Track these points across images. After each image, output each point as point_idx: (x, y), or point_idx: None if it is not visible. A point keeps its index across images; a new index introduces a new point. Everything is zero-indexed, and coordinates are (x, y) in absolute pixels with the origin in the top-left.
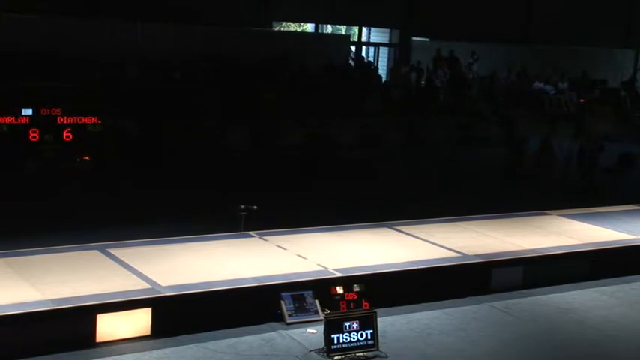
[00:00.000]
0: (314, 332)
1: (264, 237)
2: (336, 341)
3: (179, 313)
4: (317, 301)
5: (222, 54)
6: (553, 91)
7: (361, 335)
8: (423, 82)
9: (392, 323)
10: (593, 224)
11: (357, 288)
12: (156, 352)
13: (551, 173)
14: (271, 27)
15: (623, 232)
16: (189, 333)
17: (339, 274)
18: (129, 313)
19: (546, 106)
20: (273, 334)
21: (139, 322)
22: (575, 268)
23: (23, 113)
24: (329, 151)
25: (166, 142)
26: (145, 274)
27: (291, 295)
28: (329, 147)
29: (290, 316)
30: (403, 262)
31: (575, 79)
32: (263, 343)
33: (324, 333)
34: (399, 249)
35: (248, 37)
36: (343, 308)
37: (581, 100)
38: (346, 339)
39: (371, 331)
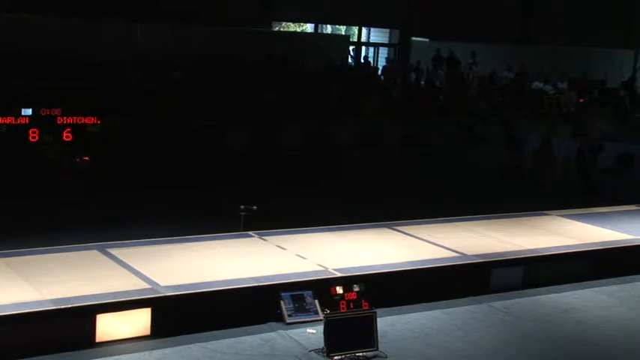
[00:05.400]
0: (314, 332)
1: (264, 237)
2: None
3: (179, 313)
4: (317, 301)
5: (222, 54)
6: (553, 91)
7: None
8: (422, 82)
9: (391, 323)
10: (593, 224)
11: (356, 288)
12: (156, 352)
13: (551, 173)
14: (271, 27)
15: (623, 232)
16: (189, 333)
17: (338, 274)
18: (128, 313)
19: (546, 106)
20: (272, 334)
21: (139, 322)
22: (575, 268)
23: (23, 113)
24: (328, 151)
25: (166, 142)
26: (145, 274)
27: (291, 295)
28: (328, 147)
29: (290, 316)
30: (403, 262)
31: (575, 79)
32: (263, 343)
33: (324, 333)
34: (399, 249)
35: (248, 37)
36: (343, 308)
37: (581, 100)
38: None
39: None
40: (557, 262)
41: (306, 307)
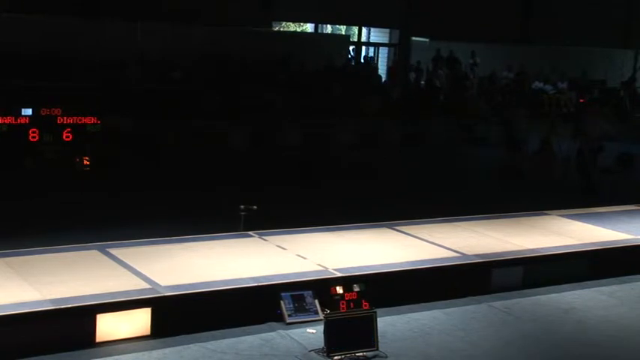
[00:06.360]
0: (314, 332)
1: (264, 237)
2: None
3: (179, 313)
4: (317, 301)
5: (222, 54)
6: (553, 91)
7: None
8: (422, 83)
9: (391, 323)
10: (593, 224)
11: (356, 288)
12: (156, 352)
13: (551, 173)
14: (271, 27)
15: (623, 232)
16: (189, 333)
17: (338, 274)
18: (128, 313)
19: (546, 106)
20: (272, 334)
21: (139, 322)
22: (575, 268)
23: (23, 113)
24: (328, 151)
25: (166, 142)
26: (145, 274)
27: (291, 295)
28: (328, 147)
29: (290, 316)
30: (403, 262)
31: (575, 79)
32: (263, 343)
33: (324, 333)
34: (399, 249)
35: (248, 37)
36: (343, 308)
37: (581, 100)
38: None
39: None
40: (557, 262)
41: (306, 307)
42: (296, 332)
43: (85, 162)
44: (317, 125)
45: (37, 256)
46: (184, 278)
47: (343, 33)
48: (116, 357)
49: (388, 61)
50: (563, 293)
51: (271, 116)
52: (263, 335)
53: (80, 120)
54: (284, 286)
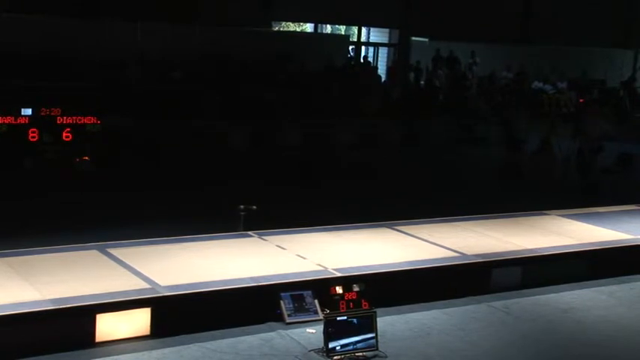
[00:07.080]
0: (313, 332)
1: (264, 237)
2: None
3: (178, 313)
4: (316, 301)
5: (222, 54)
6: (552, 91)
7: None
8: (422, 82)
9: (391, 323)
10: (592, 224)
11: (356, 288)
12: (155, 352)
13: (551, 173)
14: (271, 27)
15: (623, 232)
16: (188, 333)
17: (338, 274)
18: (128, 313)
19: (546, 106)
20: (272, 334)
21: (139, 322)
22: (574, 268)
23: (22, 113)
24: (328, 152)
25: (166, 142)
26: (145, 274)
27: (291, 295)
28: (328, 147)
29: (289, 316)
30: (403, 262)
31: (575, 79)
32: (262, 343)
33: (324, 333)
34: (399, 249)
35: (248, 37)
36: (342, 308)
37: (581, 100)
38: None
39: None
40: (557, 262)
41: (306, 307)
42: (296, 332)
43: (89, 162)
44: (317, 125)
45: (36, 256)
46: (184, 278)
47: (343, 33)
48: (116, 357)
49: (388, 61)
50: (563, 293)
51: (271, 116)
52: (263, 335)
53: (80, 120)
54: (283, 286)
